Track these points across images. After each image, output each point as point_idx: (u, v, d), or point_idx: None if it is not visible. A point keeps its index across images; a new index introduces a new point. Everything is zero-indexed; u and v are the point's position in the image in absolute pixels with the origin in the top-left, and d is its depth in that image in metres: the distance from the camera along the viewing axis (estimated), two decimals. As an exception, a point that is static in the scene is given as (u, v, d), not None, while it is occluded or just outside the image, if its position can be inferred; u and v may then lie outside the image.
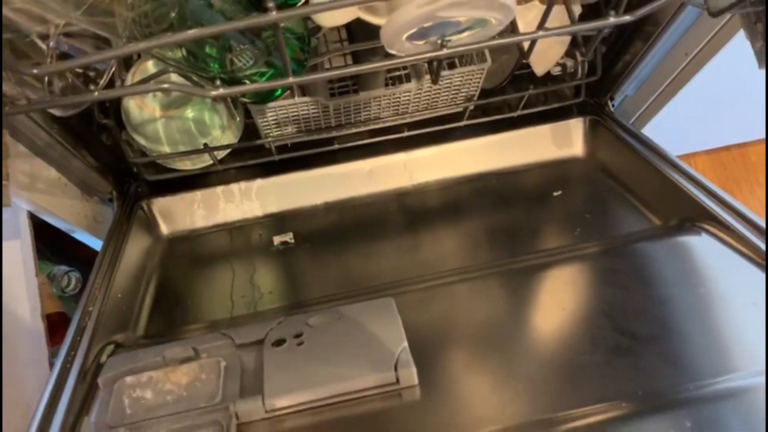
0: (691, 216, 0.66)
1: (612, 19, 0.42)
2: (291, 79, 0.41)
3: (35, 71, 0.34)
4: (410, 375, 0.49)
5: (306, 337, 0.54)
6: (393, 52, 0.42)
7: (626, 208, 0.74)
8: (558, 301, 0.58)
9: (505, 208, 0.78)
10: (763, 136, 1.16)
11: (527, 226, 0.74)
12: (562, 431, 0.44)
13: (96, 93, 0.37)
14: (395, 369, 0.49)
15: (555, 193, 0.78)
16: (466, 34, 0.42)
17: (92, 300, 0.62)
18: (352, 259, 0.73)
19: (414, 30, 0.39)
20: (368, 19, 0.42)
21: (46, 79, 0.37)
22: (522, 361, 0.51)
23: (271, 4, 0.34)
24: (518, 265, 0.65)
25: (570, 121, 0.84)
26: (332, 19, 0.43)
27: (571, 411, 0.45)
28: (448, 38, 0.41)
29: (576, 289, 0.60)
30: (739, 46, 0.58)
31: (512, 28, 0.55)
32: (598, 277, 0.61)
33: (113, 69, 0.42)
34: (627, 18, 0.41)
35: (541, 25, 0.41)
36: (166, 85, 0.38)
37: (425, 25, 0.38)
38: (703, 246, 0.63)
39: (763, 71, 0.53)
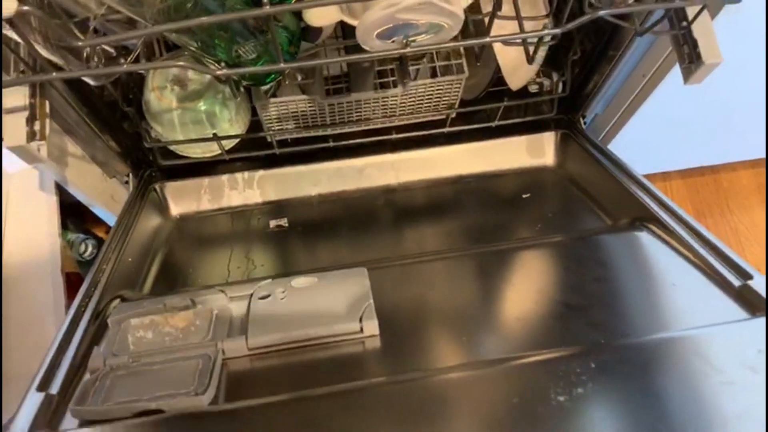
0: (639, 217, 0.74)
1: (546, 30, 0.51)
2: (282, 65, 0.50)
3: (80, 43, 0.43)
4: (373, 326, 0.58)
5: (288, 293, 0.63)
6: (366, 48, 0.51)
7: (584, 210, 0.83)
8: (511, 276, 0.67)
9: (479, 206, 0.87)
10: (734, 159, 1.25)
11: (496, 221, 0.83)
12: (503, 369, 0.52)
13: (125, 66, 0.46)
14: (360, 320, 0.58)
15: (524, 195, 0.87)
16: (426, 37, 0.52)
17: (106, 260, 0.71)
18: (339, 242, 0.82)
19: (381, 29, 0.48)
20: (348, 20, 0.52)
21: (86, 52, 0.47)
22: (476, 320, 0.60)
23: (265, 0, 0.43)
24: (484, 250, 0.74)
25: (543, 134, 0.93)
26: (319, 19, 0.52)
27: (511, 354, 0.54)
28: (411, 38, 0.51)
29: (527, 268, 0.68)
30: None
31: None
32: (547, 260, 0.69)
33: (139, 50, 0.51)
34: (557, 30, 0.51)
35: (486, 33, 0.51)
36: (181, 63, 0.48)
37: (390, 25, 0.48)
38: (644, 240, 0.71)
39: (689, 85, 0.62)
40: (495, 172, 0.92)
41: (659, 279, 0.63)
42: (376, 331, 0.58)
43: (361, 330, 0.58)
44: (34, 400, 0.50)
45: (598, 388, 0.46)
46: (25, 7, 0.40)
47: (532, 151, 0.94)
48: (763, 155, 1.25)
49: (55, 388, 0.52)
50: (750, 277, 0.56)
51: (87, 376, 0.55)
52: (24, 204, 0.74)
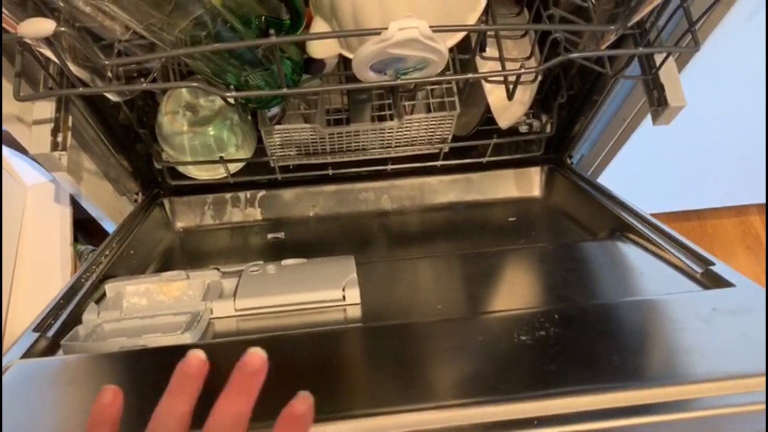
0: (617, 228, 0.78)
1: (523, 69, 0.57)
2: (285, 90, 0.56)
3: (106, 62, 0.49)
4: (354, 294, 0.62)
5: (278, 269, 0.67)
6: (361, 79, 0.57)
7: (567, 229, 0.88)
8: (490, 269, 0.72)
9: (466, 227, 0.94)
10: (719, 204, 1.30)
11: (481, 236, 0.88)
12: (473, 320, 0.56)
13: (144, 84, 0.52)
14: (343, 289, 0.62)
15: (510, 218, 0.92)
16: (416, 73, 0.57)
17: (109, 247, 0.75)
18: (334, 253, 0.87)
19: (374, 62, 0.54)
20: (345, 53, 0.58)
21: (109, 72, 0.53)
22: (453, 294, 0.65)
23: (272, 31, 0.49)
24: (467, 252, 0.80)
25: (531, 168, 0.99)
26: (320, 51, 0.58)
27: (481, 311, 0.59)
28: (402, 72, 0.57)
29: (505, 263, 0.73)
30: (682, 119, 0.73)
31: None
32: (524, 259, 0.75)
33: (156, 72, 0.57)
34: (531, 70, 0.57)
35: (473, 70, 0.57)
36: (195, 84, 0.54)
37: (382, 59, 0.54)
38: (619, 245, 0.74)
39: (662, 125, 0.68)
40: (485, 201, 0.98)
41: (629, 268, 0.68)
42: (358, 300, 0.63)
43: (344, 298, 0.62)
44: (28, 339, 0.53)
45: (560, 332, 0.50)
46: (62, 28, 0.46)
47: (521, 184, 0.99)
48: (747, 202, 1.30)
49: (50, 333, 0.55)
50: (712, 263, 0.60)
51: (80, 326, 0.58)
52: (40, 214, 0.79)
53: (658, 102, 0.65)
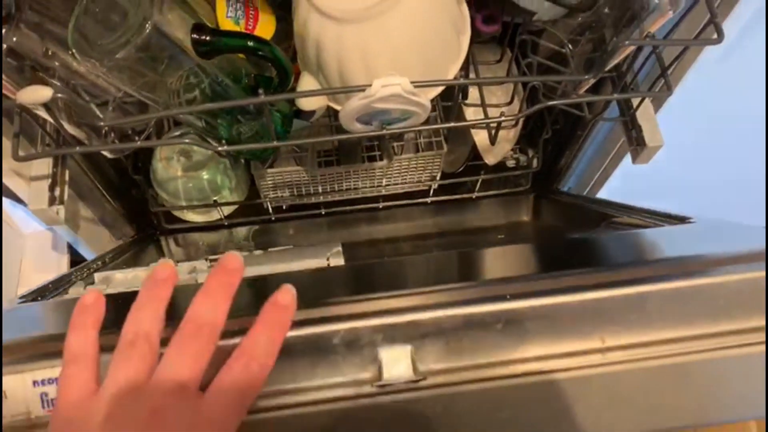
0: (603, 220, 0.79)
1: (504, 117, 0.59)
2: (275, 143, 0.58)
3: (102, 123, 0.51)
4: (339, 263, 0.63)
5: (264, 253, 0.70)
6: (349, 130, 0.59)
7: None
8: (475, 252, 0.72)
9: (456, 245, 0.98)
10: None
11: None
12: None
13: (138, 142, 0.54)
14: (327, 258, 0.63)
15: (499, 236, 0.95)
16: (401, 123, 0.60)
17: (102, 259, 0.77)
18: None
19: (361, 115, 0.56)
20: (333, 106, 0.60)
21: (104, 129, 0.55)
22: (437, 266, 0.65)
23: (261, 91, 0.51)
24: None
25: (520, 197, 1.03)
26: (308, 104, 0.60)
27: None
28: (388, 122, 0.59)
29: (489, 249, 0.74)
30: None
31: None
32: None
33: (151, 129, 0.59)
34: (510, 117, 0.59)
35: (452, 119, 0.59)
36: (187, 140, 0.56)
37: (368, 112, 0.56)
38: (607, 231, 0.75)
39: (641, 165, 0.70)
40: (474, 228, 1.00)
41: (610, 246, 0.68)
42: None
43: (328, 265, 0.63)
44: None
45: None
46: (60, 94, 0.48)
47: (510, 213, 1.02)
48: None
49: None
50: (691, 218, 0.60)
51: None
52: (38, 262, 0.81)
53: (636, 142, 0.67)
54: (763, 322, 0.44)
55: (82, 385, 0.38)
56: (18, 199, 0.78)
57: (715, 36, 0.52)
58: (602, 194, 0.98)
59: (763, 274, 0.44)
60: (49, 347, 0.42)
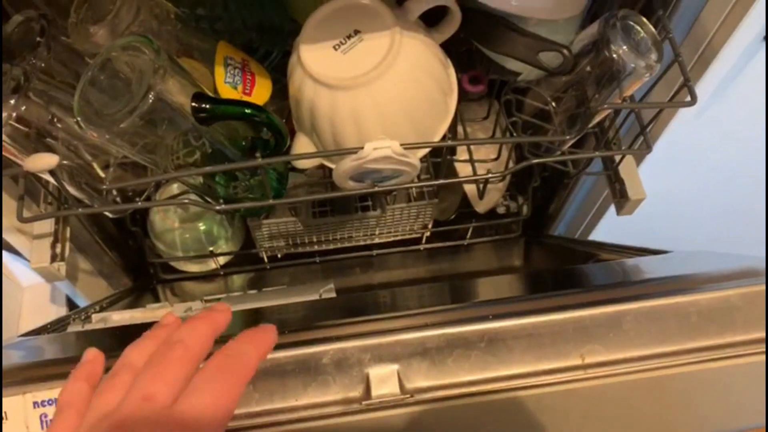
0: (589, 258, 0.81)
1: (487, 176, 0.62)
2: (270, 201, 0.60)
3: (104, 187, 0.53)
4: (331, 294, 0.66)
5: (259, 293, 0.73)
6: (342, 188, 0.62)
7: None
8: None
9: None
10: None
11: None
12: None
13: (139, 203, 0.56)
14: (320, 295, 0.65)
15: None
16: (392, 180, 0.62)
17: (99, 304, 0.78)
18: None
19: (353, 174, 0.59)
20: (327, 164, 0.63)
21: (105, 191, 0.57)
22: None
23: (258, 154, 0.54)
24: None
25: (511, 243, 1.04)
26: (303, 164, 0.63)
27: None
28: (379, 180, 0.61)
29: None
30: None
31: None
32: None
33: (150, 189, 0.61)
34: (497, 174, 0.61)
35: (440, 177, 0.62)
36: (186, 200, 0.58)
37: (360, 172, 0.58)
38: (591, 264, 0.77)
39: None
40: (468, 273, 1.02)
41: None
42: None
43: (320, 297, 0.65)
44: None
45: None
46: (65, 161, 0.50)
47: (502, 258, 1.04)
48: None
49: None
50: (670, 251, 0.63)
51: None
52: (37, 314, 0.82)
53: (620, 194, 0.70)
54: (736, 338, 0.46)
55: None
56: (18, 253, 0.80)
57: (688, 98, 0.54)
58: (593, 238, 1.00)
59: (731, 292, 0.47)
60: (49, 370, 0.44)
